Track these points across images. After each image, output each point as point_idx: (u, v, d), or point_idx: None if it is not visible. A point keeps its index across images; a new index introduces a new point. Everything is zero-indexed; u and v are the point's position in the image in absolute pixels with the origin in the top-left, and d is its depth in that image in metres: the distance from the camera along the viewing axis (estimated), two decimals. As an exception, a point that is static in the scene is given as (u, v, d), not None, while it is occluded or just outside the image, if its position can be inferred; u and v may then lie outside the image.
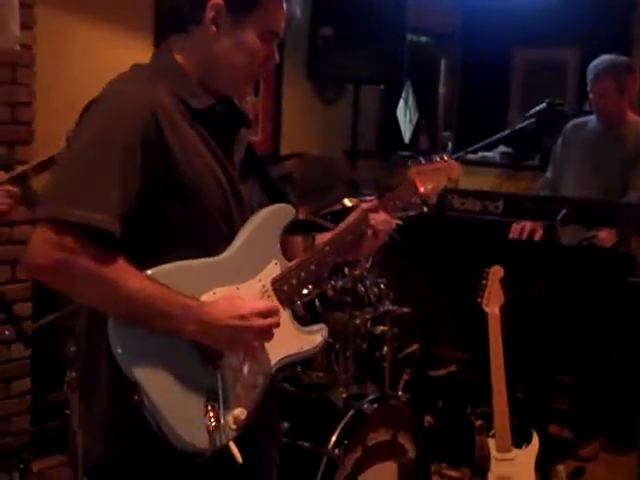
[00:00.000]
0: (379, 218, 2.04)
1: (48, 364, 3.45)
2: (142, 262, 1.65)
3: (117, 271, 1.61)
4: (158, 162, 1.66)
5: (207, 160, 1.75)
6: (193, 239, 1.72)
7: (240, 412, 1.74)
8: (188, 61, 1.79)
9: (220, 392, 1.70)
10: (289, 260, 1.91)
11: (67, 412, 2.95)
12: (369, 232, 2.03)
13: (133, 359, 1.63)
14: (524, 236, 3.84)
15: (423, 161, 2.20)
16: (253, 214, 1.85)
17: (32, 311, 3.54)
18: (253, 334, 1.71)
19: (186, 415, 1.66)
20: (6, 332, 3.24)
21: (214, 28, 1.75)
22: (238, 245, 1.79)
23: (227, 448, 1.70)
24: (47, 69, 3.67)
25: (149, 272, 1.65)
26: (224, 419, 1.70)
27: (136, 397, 1.64)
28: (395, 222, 2.08)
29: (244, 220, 1.83)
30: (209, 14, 1.74)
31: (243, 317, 1.68)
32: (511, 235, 3.87)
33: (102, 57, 4.11)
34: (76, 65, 3.99)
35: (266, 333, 1.74)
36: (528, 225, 3.85)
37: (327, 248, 1.95)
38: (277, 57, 1.85)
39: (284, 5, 1.82)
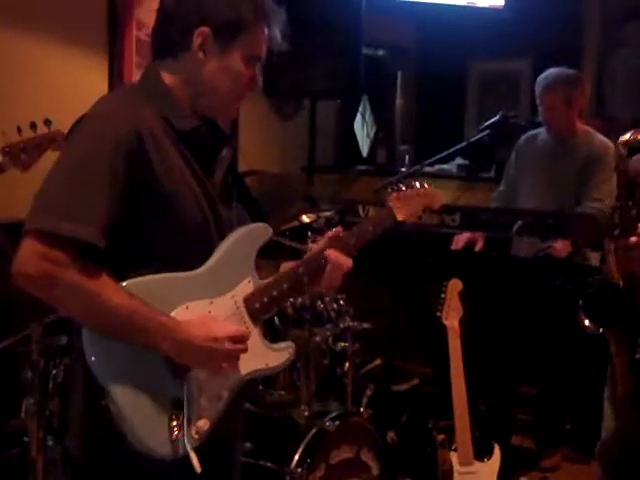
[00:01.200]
0: (336, 257, 2.02)
1: (5, 391, 3.39)
2: (121, 275, 1.74)
3: (101, 285, 1.70)
4: (140, 179, 1.74)
5: (187, 179, 1.82)
6: (171, 255, 1.80)
7: (203, 423, 1.82)
8: (176, 83, 1.87)
9: (185, 403, 1.79)
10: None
11: (26, 439, 2.90)
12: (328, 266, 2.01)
13: (103, 366, 1.73)
14: (459, 247, 3.88)
15: (403, 187, 2.21)
16: (232, 232, 1.91)
17: (-13, 336, 3.49)
18: (223, 357, 1.80)
19: (150, 422, 1.75)
20: (-39, 358, 3.18)
21: (201, 54, 1.84)
22: (213, 261, 1.87)
23: (187, 457, 1.77)
24: (1, 89, 3.62)
25: (124, 283, 1.74)
26: (187, 428, 1.78)
27: (103, 401, 1.72)
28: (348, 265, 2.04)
29: (223, 238, 1.89)
30: (197, 40, 1.83)
31: (215, 340, 1.78)
32: (452, 246, 3.91)
33: (57, 77, 4.07)
34: (30, 85, 3.95)
35: (235, 357, 1.83)
36: (464, 236, 3.90)
37: (300, 269, 1.98)
38: (260, 80, 1.93)
39: (266, 30, 1.89)
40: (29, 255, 1.66)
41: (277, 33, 1.91)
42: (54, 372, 2.85)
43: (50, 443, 2.92)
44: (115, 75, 4.37)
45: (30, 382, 2.82)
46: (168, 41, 1.87)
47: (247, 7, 1.84)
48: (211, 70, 1.85)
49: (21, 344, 2.88)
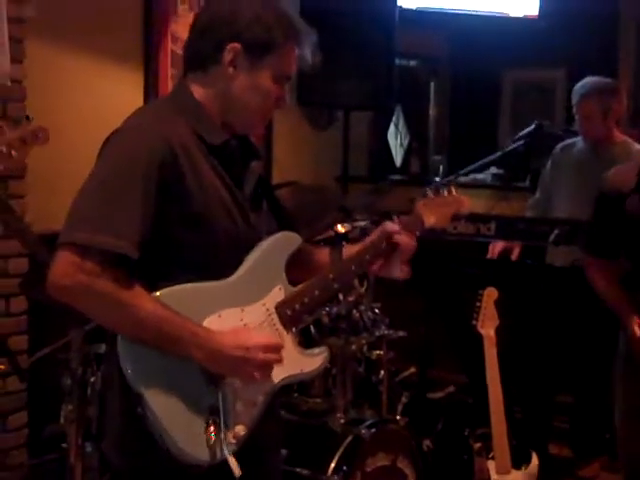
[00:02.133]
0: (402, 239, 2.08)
1: (44, 397, 3.43)
2: (153, 286, 1.77)
3: (133, 295, 1.73)
4: (173, 191, 1.77)
5: (219, 191, 1.85)
6: (203, 264, 1.83)
7: (240, 428, 1.84)
8: (205, 97, 1.90)
9: (221, 409, 1.80)
10: (312, 271, 2.02)
11: (64, 445, 2.93)
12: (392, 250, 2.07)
13: (138, 374, 1.75)
14: (494, 255, 3.86)
15: (431, 194, 2.22)
16: (261, 241, 1.94)
17: (27, 344, 3.53)
18: (254, 367, 1.81)
19: (187, 428, 1.77)
20: (1, 366, 3.23)
21: (231, 69, 1.87)
22: (244, 270, 1.89)
23: (226, 461, 1.78)
24: (38, 103, 3.67)
25: (158, 293, 1.76)
26: (224, 434, 1.80)
27: (139, 409, 1.75)
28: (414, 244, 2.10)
29: (253, 247, 1.92)
30: (228, 56, 1.86)
31: (247, 349, 1.80)
32: (488, 255, 3.89)
33: (92, 89, 4.12)
34: (67, 98, 4.00)
35: (267, 367, 1.85)
36: (499, 244, 3.88)
37: (331, 275, 2.00)
38: (288, 99, 1.95)
39: (296, 50, 1.92)
40: (63, 267, 1.70)
41: (307, 54, 1.93)
42: (93, 379, 2.88)
43: (88, 449, 2.95)
44: (150, 88, 4.41)
45: (69, 389, 2.85)
46: (200, 55, 1.89)
47: (279, 27, 1.87)
48: (240, 86, 1.88)
49: (61, 351, 2.92)
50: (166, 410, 1.75)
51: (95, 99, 4.12)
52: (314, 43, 1.94)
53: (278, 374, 1.90)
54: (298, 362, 1.96)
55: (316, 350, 2.02)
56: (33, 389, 3.55)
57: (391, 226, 2.10)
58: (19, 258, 3.47)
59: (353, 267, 2.05)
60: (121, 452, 1.87)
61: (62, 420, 2.86)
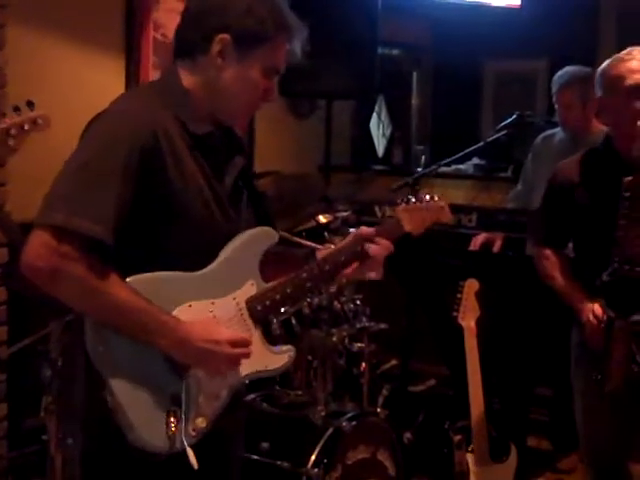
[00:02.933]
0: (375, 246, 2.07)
1: (24, 389, 3.41)
2: (127, 272, 1.77)
3: (107, 281, 1.73)
4: (153, 178, 1.77)
5: (198, 181, 1.85)
6: (177, 254, 1.83)
7: (200, 421, 1.85)
8: (193, 85, 1.89)
9: (183, 399, 1.81)
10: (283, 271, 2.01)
11: (45, 437, 2.92)
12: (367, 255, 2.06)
13: (105, 358, 1.77)
14: (476, 247, 3.87)
15: (413, 199, 2.22)
16: (238, 235, 1.93)
17: (7, 335, 3.50)
18: (222, 360, 1.82)
19: (148, 416, 1.78)
20: (-20, 357, 3.21)
21: (220, 60, 1.86)
22: (218, 262, 1.89)
23: (184, 452, 1.79)
24: (19, 90, 3.63)
25: (128, 279, 1.77)
26: (185, 425, 1.81)
27: (103, 393, 1.76)
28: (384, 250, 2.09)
29: (230, 240, 1.92)
30: (216, 46, 1.85)
31: (216, 342, 1.80)
32: (470, 247, 3.90)
33: (74, 76, 4.09)
34: (48, 85, 3.97)
35: (234, 361, 1.85)
36: (481, 236, 3.89)
37: (304, 274, 2.00)
38: (276, 93, 1.94)
39: (287, 44, 1.90)
40: (38, 248, 1.70)
41: (297, 49, 1.92)
42: (72, 370, 2.87)
43: (69, 441, 2.95)
44: (132, 75, 4.38)
45: (49, 381, 2.85)
46: (189, 43, 1.89)
47: (270, 20, 1.86)
48: (228, 77, 1.87)
49: (40, 343, 2.91)
50: (128, 396, 1.76)
51: (77, 86, 4.09)
52: (305, 38, 1.93)
53: (243, 369, 1.90)
54: (264, 358, 1.96)
55: (283, 347, 2.02)
56: (13, 381, 3.53)
57: (367, 231, 2.09)
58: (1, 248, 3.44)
59: (327, 267, 2.04)
60: (85, 435, 1.90)
61: (42, 412, 2.86)
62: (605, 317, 2.57)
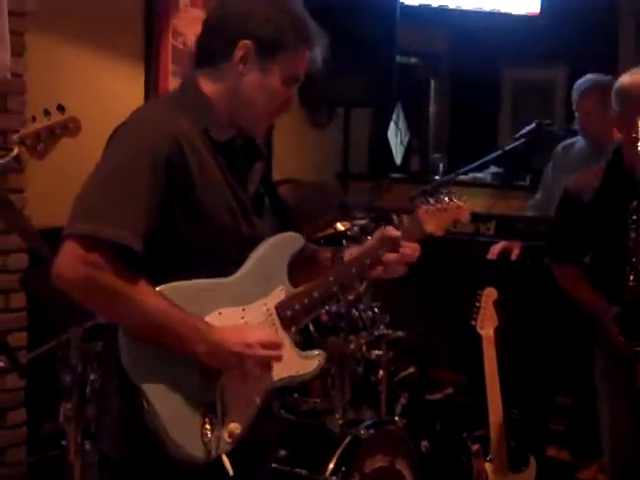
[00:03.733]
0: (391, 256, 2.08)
1: (43, 394, 3.42)
2: (156, 280, 1.77)
3: (137, 289, 1.74)
4: (179, 186, 1.78)
5: (222, 188, 1.86)
6: (204, 262, 1.84)
7: (235, 427, 1.84)
8: (214, 93, 1.90)
9: (218, 406, 1.81)
10: (312, 273, 2.04)
11: (63, 443, 2.93)
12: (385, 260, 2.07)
13: (138, 367, 1.77)
14: (494, 256, 3.85)
15: (432, 201, 2.23)
16: (264, 241, 1.94)
17: (27, 341, 3.52)
18: (254, 362, 1.82)
19: (183, 424, 1.78)
20: (0, 362, 3.22)
21: (242, 66, 1.87)
22: (246, 269, 1.90)
23: (220, 460, 1.80)
24: (38, 97, 3.66)
25: (159, 288, 1.77)
26: (220, 432, 1.81)
27: (137, 401, 1.76)
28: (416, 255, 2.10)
29: (255, 246, 1.93)
30: (238, 53, 1.87)
31: (248, 345, 1.81)
32: (488, 256, 3.88)
33: (93, 84, 4.12)
34: (67, 92, 3.99)
35: (267, 364, 1.86)
36: (499, 245, 3.88)
37: (331, 278, 2.01)
38: (295, 102, 1.96)
39: (307, 53, 1.91)
40: (68, 258, 1.71)
41: (318, 57, 1.93)
42: (92, 377, 2.88)
43: (87, 447, 2.95)
44: (151, 83, 4.41)
45: (68, 386, 2.86)
46: (211, 50, 1.90)
47: (292, 29, 1.88)
48: (249, 84, 1.88)
49: (60, 348, 2.92)
50: (164, 405, 1.76)
51: (95, 93, 4.11)
52: (325, 47, 1.94)
53: (275, 374, 1.91)
54: (294, 363, 1.97)
55: (313, 352, 2.02)
56: (32, 386, 3.54)
57: (391, 231, 2.10)
58: (19, 253, 3.46)
59: (354, 270, 2.06)
60: (119, 446, 1.88)
61: (61, 418, 2.86)
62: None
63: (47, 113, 2.68)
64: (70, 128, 2.68)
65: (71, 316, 2.81)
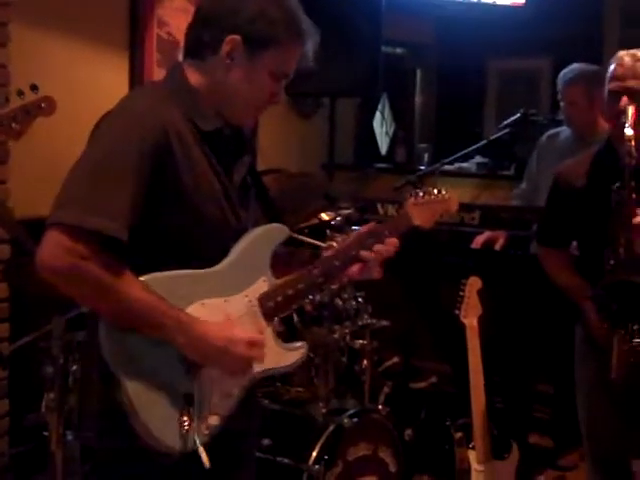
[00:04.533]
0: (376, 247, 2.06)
1: (26, 385, 3.42)
2: (140, 270, 1.78)
3: (121, 279, 1.74)
4: (164, 175, 1.78)
5: (209, 178, 1.86)
6: (189, 251, 1.84)
7: (213, 419, 1.85)
8: (201, 85, 1.90)
9: (196, 398, 1.81)
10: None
11: (46, 434, 2.93)
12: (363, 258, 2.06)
13: (118, 358, 1.76)
14: (478, 246, 3.86)
15: (420, 193, 2.23)
16: (248, 232, 1.94)
17: (9, 332, 3.51)
18: (235, 360, 1.83)
19: (161, 415, 1.78)
20: (-18, 354, 3.22)
21: (229, 61, 1.87)
22: (230, 260, 1.90)
23: (197, 451, 1.80)
24: (22, 87, 3.64)
25: (143, 279, 1.77)
26: (197, 424, 1.81)
27: (117, 393, 1.76)
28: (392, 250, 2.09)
29: (240, 236, 1.93)
30: (226, 47, 1.86)
31: (232, 342, 1.81)
32: (473, 245, 3.89)
33: (78, 73, 4.09)
34: (51, 82, 3.95)
35: (247, 362, 1.87)
36: (484, 235, 3.89)
37: (315, 270, 2.01)
38: (282, 96, 1.95)
39: (300, 49, 1.91)
40: (53, 248, 1.70)
41: (309, 54, 1.93)
42: (74, 368, 2.87)
43: (69, 438, 2.95)
44: (136, 73, 4.39)
45: (50, 377, 2.85)
46: (199, 42, 1.90)
47: (282, 24, 1.87)
48: (235, 77, 1.88)
49: (42, 339, 2.91)
50: (142, 396, 1.76)
51: (80, 83, 4.09)
52: (316, 43, 1.93)
53: (256, 367, 1.91)
54: (276, 355, 1.97)
55: (295, 344, 2.02)
56: (14, 377, 3.54)
57: (377, 227, 2.10)
58: (1, 244, 3.44)
59: (337, 263, 2.05)
60: (98, 434, 1.90)
61: (43, 409, 2.86)
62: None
63: (21, 93, 2.67)
64: (44, 107, 2.67)
65: (54, 307, 2.80)
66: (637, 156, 2.48)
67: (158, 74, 4.33)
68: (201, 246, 1.86)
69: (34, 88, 2.67)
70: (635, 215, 2.48)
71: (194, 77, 1.90)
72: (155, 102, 1.84)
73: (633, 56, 2.63)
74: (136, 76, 4.38)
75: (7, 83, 3.54)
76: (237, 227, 1.93)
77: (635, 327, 2.52)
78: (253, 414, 2.08)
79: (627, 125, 2.51)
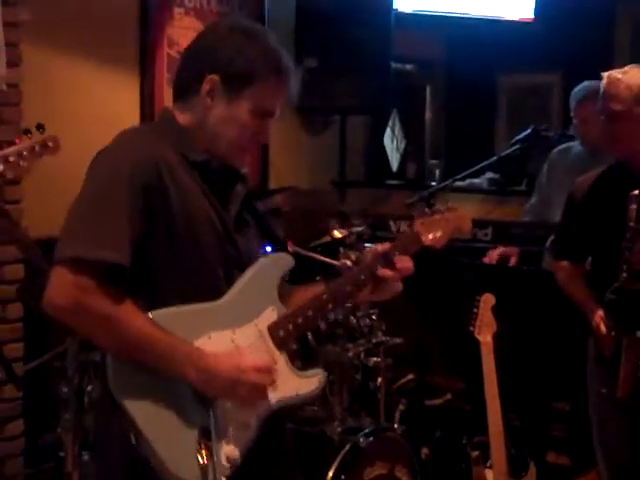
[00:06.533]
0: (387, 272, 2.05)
1: (41, 405, 3.41)
2: (143, 304, 1.77)
3: (126, 312, 1.74)
4: (158, 210, 1.78)
5: (204, 209, 1.87)
6: (190, 284, 1.83)
7: (231, 451, 1.81)
8: (188, 124, 1.92)
9: (213, 431, 1.77)
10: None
11: (61, 454, 2.92)
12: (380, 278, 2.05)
13: (126, 391, 1.73)
14: (493, 261, 3.85)
15: (428, 211, 2.21)
16: (251, 262, 1.93)
17: (23, 352, 3.51)
18: (248, 389, 1.80)
19: (178, 451, 1.75)
20: (-4, 374, 3.21)
21: (209, 100, 1.89)
22: (236, 291, 1.88)
23: None
24: (34, 107, 3.66)
25: (150, 315, 1.76)
26: (217, 457, 1.77)
27: (132, 435, 1.72)
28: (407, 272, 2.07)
29: (240, 267, 1.91)
30: (205, 86, 1.88)
31: (240, 371, 1.79)
32: (486, 260, 3.88)
33: (88, 93, 4.12)
34: (63, 102, 3.99)
35: (260, 389, 1.84)
36: (497, 251, 3.87)
37: (325, 296, 1.99)
38: (268, 136, 1.95)
39: (283, 87, 1.91)
40: (58, 284, 1.72)
41: (292, 90, 1.93)
42: (89, 388, 2.87)
43: (85, 458, 2.94)
44: (146, 91, 4.41)
45: (66, 397, 2.85)
46: (183, 84, 1.94)
47: (261, 62, 1.88)
48: (216, 116, 1.90)
49: (57, 359, 2.91)
50: (155, 431, 1.73)
51: (91, 103, 4.11)
52: (298, 79, 1.94)
53: (272, 396, 1.88)
54: (293, 384, 1.94)
55: (312, 371, 2.00)
56: (29, 397, 3.53)
57: (383, 248, 2.08)
58: (15, 264, 3.46)
59: (348, 288, 2.03)
60: (122, 475, 1.85)
61: (59, 429, 2.86)
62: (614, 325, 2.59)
63: (27, 132, 2.72)
64: (49, 147, 2.72)
65: (67, 327, 2.80)
66: None
67: (168, 93, 4.32)
68: (202, 277, 1.86)
69: (40, 127, 2.72)
70: None
71: (182, 118, 1.93)
72: (146, 139, 1.88)
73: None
74: (147, 95, 4.40)
75: (19, 102, 3.56)
76: (237, 257, 1.92)
77: None
78: (280, 444, 2.04)
79: None
